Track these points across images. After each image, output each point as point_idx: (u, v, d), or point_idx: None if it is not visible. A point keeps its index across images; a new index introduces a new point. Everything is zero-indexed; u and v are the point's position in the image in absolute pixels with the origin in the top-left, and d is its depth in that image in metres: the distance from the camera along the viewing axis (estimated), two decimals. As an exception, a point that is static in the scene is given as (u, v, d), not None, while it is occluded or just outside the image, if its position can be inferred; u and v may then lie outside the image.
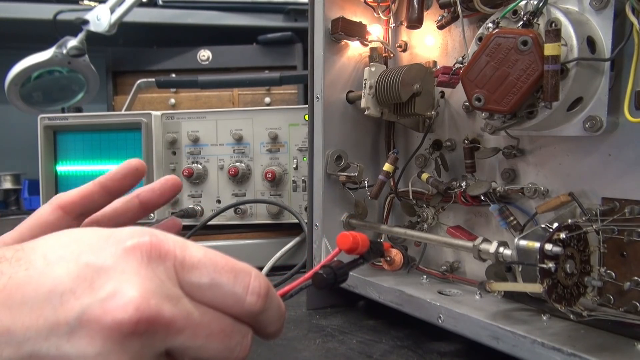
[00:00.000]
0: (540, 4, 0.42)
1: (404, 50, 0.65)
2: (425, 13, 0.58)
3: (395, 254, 0.49)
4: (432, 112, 0.58)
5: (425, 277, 0.59)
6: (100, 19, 1.12)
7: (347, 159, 0.63)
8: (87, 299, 0.27)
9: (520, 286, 0.43)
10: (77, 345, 0.27)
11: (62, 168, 0.96)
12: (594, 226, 0.43)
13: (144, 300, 0.27)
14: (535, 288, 0.39)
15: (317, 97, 0.62)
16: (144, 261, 0.29)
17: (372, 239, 0.47)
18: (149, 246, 0.30)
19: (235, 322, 0.32)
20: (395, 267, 0.49)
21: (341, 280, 0.42)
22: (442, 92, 0.59)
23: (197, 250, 0.31)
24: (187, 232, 0.87)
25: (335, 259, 0.43)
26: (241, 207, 0.89)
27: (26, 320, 0.27)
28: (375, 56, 0.62)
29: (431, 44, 0.61)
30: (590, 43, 0.41)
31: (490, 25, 0.45)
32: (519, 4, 0.44)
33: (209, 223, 0.89)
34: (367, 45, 0.63)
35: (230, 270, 0.31)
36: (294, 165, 0.87)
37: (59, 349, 0.27)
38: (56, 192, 0.95)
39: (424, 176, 0.59)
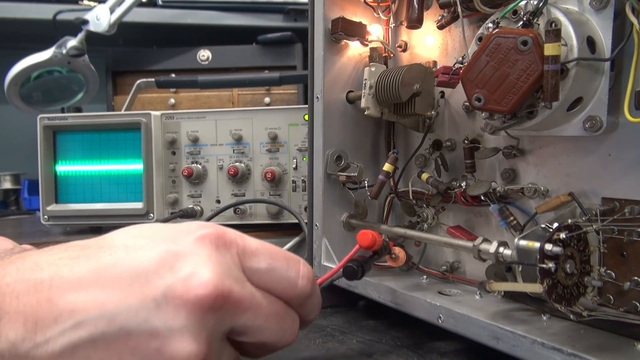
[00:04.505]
0: (540, 4, 0.42)
1: (404, 50, 0.65)
2: (425, 13, 0.58)
3: (399, 251, 0.52)
4: (432, 112, 0.58)
5: (425, 277, 0.59)
6: (100, 19, 1.12)
7: (347, 159, 0.63)
8: (170, 279, 0.31)
9: (520, 286, 0.43)
10: (164, 319, 0.30)
11: (61, 168, 0.96)
12: (594, 226, 0.43)
13: (220, 280, 0.31)
14: (535, 288, 0.39)
15: (317, 97, 0.61)
16: (214, 248, 0.33)
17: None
18: (216, 235, 0.34)
19: (287, 306, 0.36)
20: (400, 262, 0.52)
21: (365, 272, 0.47)
22: (442, 92, 0.59)
23: (253, 241, 0.36)
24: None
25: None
26: (241, 207, 0.89)
27: (117, 297, 0.30)
28: (375, 56, 0.62)
29: (431, 44, 0.61)
30: (590, 43, 0.41)
31: (490, 25, 0.45)
32: (519, 4, 0.43)
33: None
34: (367, 45, 0.63)
35: (283, 257, 0.36)
36: (294, 165, 0.87)
37: (147, 322, 0.30)
38: (56, 192, 0.95)
39: (424, 176, 0.59)
